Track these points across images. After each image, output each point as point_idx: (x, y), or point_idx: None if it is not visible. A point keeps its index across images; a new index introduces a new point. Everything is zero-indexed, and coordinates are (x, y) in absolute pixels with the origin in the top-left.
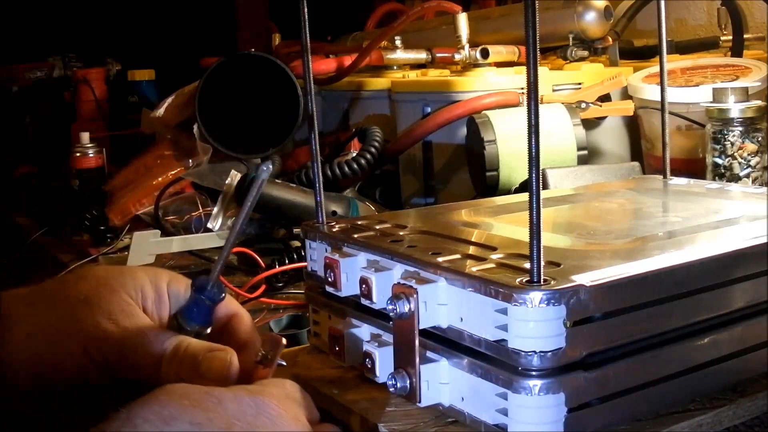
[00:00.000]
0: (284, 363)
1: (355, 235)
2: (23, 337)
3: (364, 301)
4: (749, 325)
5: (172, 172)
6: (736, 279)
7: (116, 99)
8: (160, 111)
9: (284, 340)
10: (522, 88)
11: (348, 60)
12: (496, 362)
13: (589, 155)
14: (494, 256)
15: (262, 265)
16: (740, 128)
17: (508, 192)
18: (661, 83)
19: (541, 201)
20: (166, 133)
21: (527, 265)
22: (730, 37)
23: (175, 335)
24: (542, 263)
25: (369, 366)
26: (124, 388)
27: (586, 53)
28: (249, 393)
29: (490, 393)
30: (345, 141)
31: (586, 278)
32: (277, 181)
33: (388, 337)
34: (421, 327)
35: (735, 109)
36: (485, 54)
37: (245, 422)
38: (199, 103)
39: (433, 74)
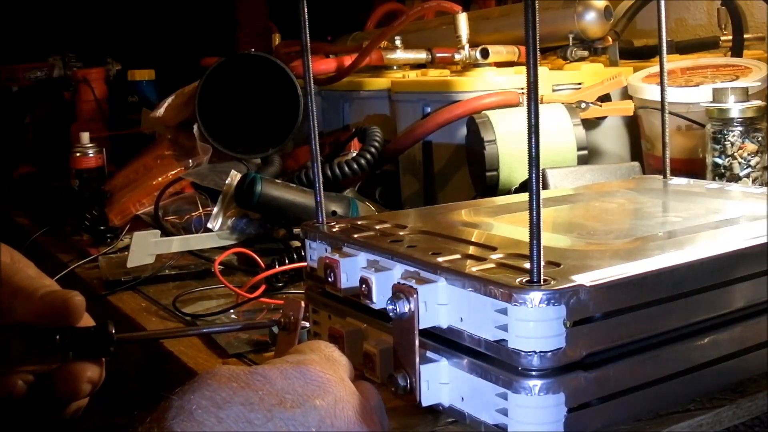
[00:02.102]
0: (308, 325)
1: (355, 235)
2: None
3: (364, 301)
4: (749, 325)
5: (172, 172)
6: (736, 279)
7: (116, 99)
8: (160, 111)
9: (303, 303)
10: (522, 88)
11: (348, 60)
12: (496, 362)
13: (589, 155)
14: (494, 256)
15: (262, 265)
16: (740, 128)
17: (508, 192)
18: (661, 83)
19: (541, 201)
20: (166, 133)
21: (527, 265)
22: (730, 37)
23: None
24: (542, 263)
25: (369, 366)
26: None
27: (586, 53)
28: (292, 365)
29: (490, 393)
30: (345, 141)
31: (586, 278)
32: (277, 181)
33: (387, 337)
34: (421, 327)
35: (735, 109)
36: (485, 54)
37: (295, 394)
38: (199, 103)
39: (433, 74)
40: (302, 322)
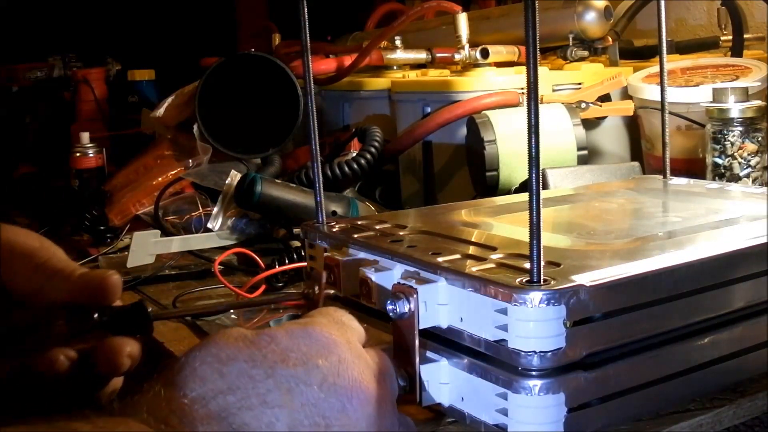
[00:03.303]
0: (331, 292)
1: (355, 235)
2: None
3: (364, 301)
4: (749, 325)
5: (172, 172)
6: (736, 279)
7: (116, 99)
8: (160, 111)
9: (324, 273)
10: (522, 88)
11: (348, 60)
12: (496, 362)
13: (589, 155)
14: (494, 256)
15: (262, 265)
16: (740, 128)
17: (508, 192)
18: (661, 83)
19: (541, 201)
20: (166, 133)
21: (527, 265)
22: (730, 37)
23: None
24: (542, 263)
25: None
26: None
27: (586, 53)
28: (299, 325)
29: (490, 393)
30: (345, 141)
31: (586, 278)
32: (277, 181)
33: (387, 337)
34: (421, 327)
35: (735, 109)
36: (485, 54)
37: (300, 353)
38: (199, 103)
39: (433, 74)
40: (325, 291)
